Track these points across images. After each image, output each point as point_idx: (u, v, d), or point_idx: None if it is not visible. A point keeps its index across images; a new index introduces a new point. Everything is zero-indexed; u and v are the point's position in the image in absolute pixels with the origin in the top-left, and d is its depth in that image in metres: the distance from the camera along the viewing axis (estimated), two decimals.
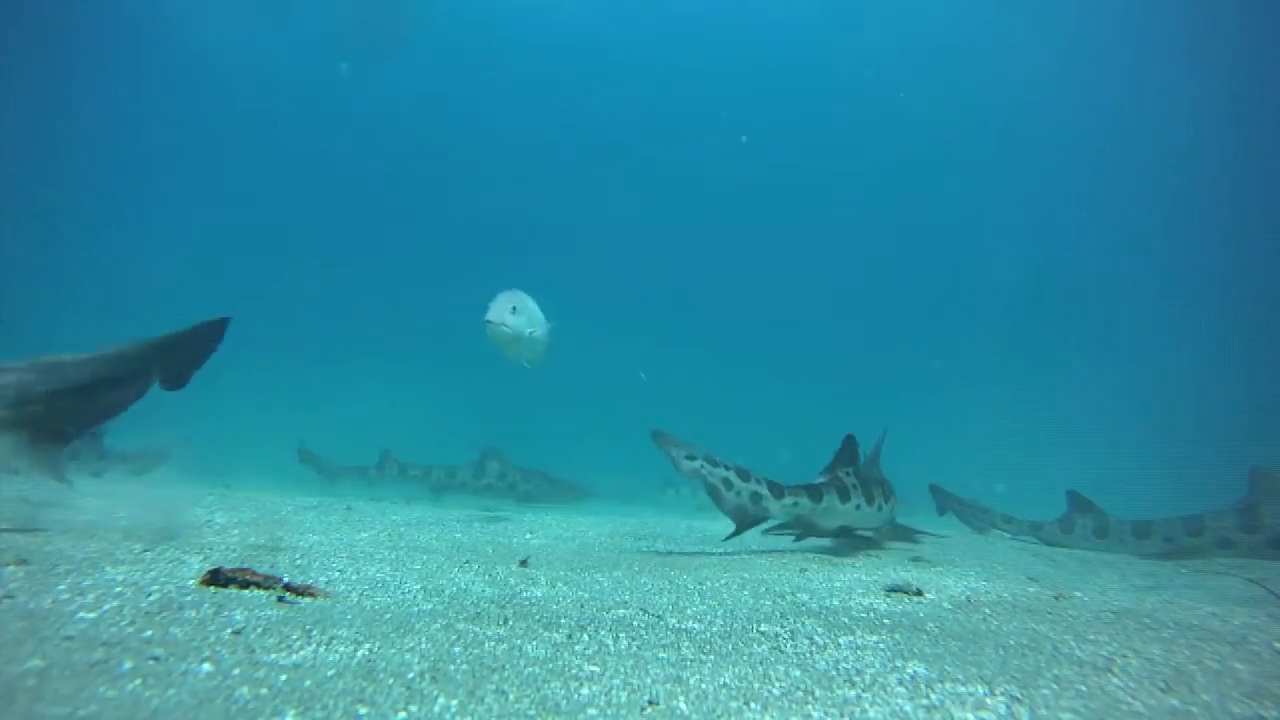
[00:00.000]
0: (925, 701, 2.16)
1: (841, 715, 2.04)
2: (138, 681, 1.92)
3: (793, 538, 5.91)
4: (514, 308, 6.04)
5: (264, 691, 1.91)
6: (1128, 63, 25.43)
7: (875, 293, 29.57)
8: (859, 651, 2.71)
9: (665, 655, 2.54)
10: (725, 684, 2.25)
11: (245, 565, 3.27)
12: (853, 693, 2.23)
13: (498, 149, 30.87)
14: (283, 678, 2.02)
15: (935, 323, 28.13)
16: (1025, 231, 27.80)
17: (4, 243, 25.02)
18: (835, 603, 3.65)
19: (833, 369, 27.51)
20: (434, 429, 17.23)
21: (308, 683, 2.00)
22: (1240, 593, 4.92)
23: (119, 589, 2.86)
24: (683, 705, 2.05)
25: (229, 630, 2.42)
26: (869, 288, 29.63)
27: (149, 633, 2.33)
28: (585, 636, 2.73)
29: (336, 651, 2.31)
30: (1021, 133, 27.38)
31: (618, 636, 2.77)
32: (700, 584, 4.05)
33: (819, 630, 3.02)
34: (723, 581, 4.15)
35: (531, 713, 1.92)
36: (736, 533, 5.54)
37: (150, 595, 2.80)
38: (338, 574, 3.66)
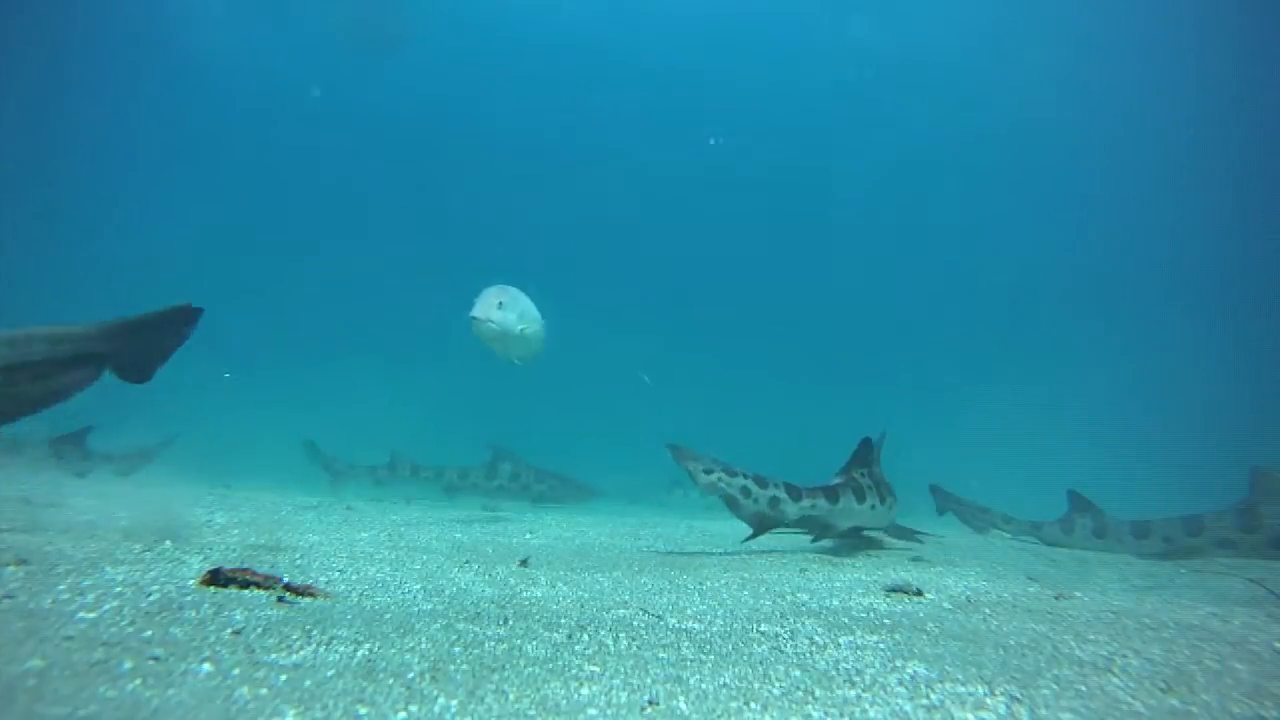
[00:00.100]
0: (925, 701, 2.17)
1: (841, 715, 2.04)
2: (138, 681, 1.92)
3: (792, 538, 5.94)
4: (500, 303, 5.99)
5: (264, 691, 1.92)
6: (1128, 63, 25.45)
7: (876, 293, 29.58)
8: (859, 651, 2.71)
9: (665, 655, 2.54)
10: (725, 684, 2.25)
11: (245, 565, 3.27)
12: (853, 693, 2.23)
13: (500, 149, 30.87)
14: (283, 678, 2.02)
15: (935, 323, 28.13)
16: (1026, 231, 27.83)
17: (3, 243, 25.00)
18: (835, 603, 3.65)
19: (833, 369, 27.52)
20: (435, 428, 17.19)
21: (308, 683, 2.00)
22: (1240, 593, 4.92)
23: (119, 589, 2.86)
24: (683, 705, 2.05)
25: (229, 630, 2.42)
26: (871, 288, 29.64)
27: (149, 633, 2.33)
28: (585, 636, 2.74)
29: (336, 651, 2.31)
30: (1022, 133, 27.39)
31: (618, 636, 2.77)
32: (700, 584, 4.05)
33: (819, 630, 3.02)
34: (723, 581, 4.15)
35: (531, 713, 1.93)
36: (754, 535, 5.60)
37: (150, 595, 2.80)
38: (338, 574, 3.67)
